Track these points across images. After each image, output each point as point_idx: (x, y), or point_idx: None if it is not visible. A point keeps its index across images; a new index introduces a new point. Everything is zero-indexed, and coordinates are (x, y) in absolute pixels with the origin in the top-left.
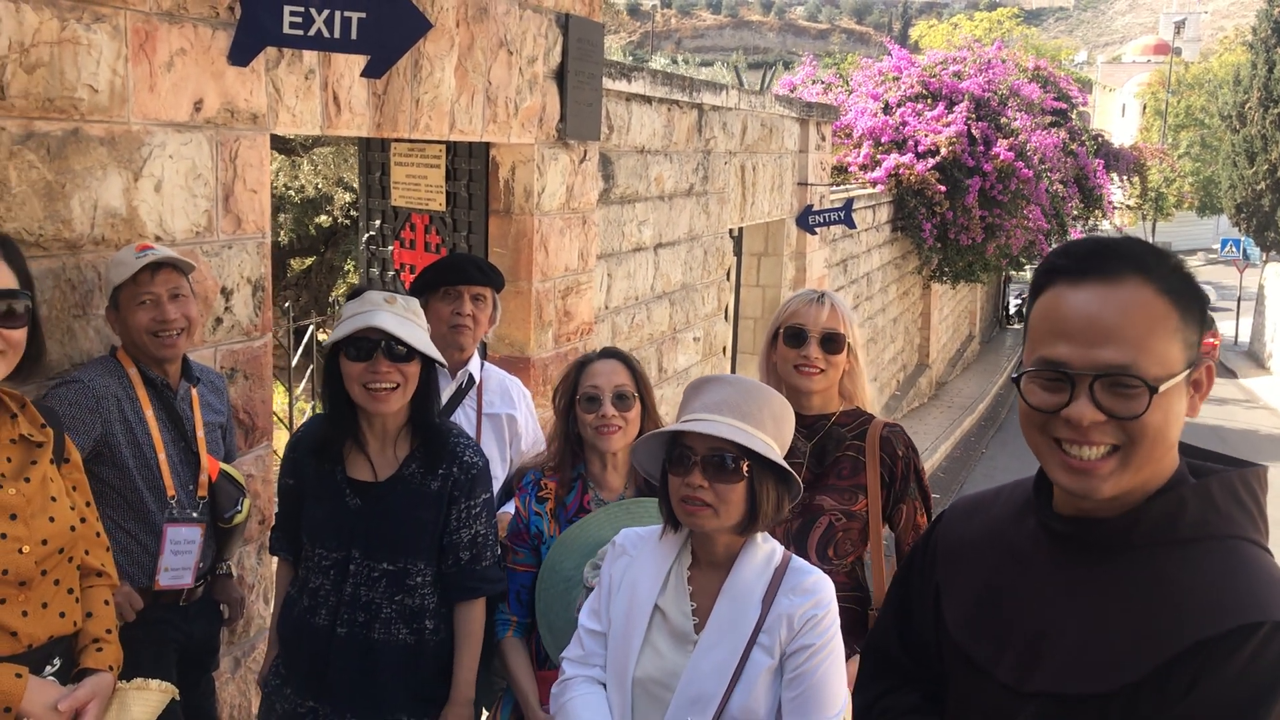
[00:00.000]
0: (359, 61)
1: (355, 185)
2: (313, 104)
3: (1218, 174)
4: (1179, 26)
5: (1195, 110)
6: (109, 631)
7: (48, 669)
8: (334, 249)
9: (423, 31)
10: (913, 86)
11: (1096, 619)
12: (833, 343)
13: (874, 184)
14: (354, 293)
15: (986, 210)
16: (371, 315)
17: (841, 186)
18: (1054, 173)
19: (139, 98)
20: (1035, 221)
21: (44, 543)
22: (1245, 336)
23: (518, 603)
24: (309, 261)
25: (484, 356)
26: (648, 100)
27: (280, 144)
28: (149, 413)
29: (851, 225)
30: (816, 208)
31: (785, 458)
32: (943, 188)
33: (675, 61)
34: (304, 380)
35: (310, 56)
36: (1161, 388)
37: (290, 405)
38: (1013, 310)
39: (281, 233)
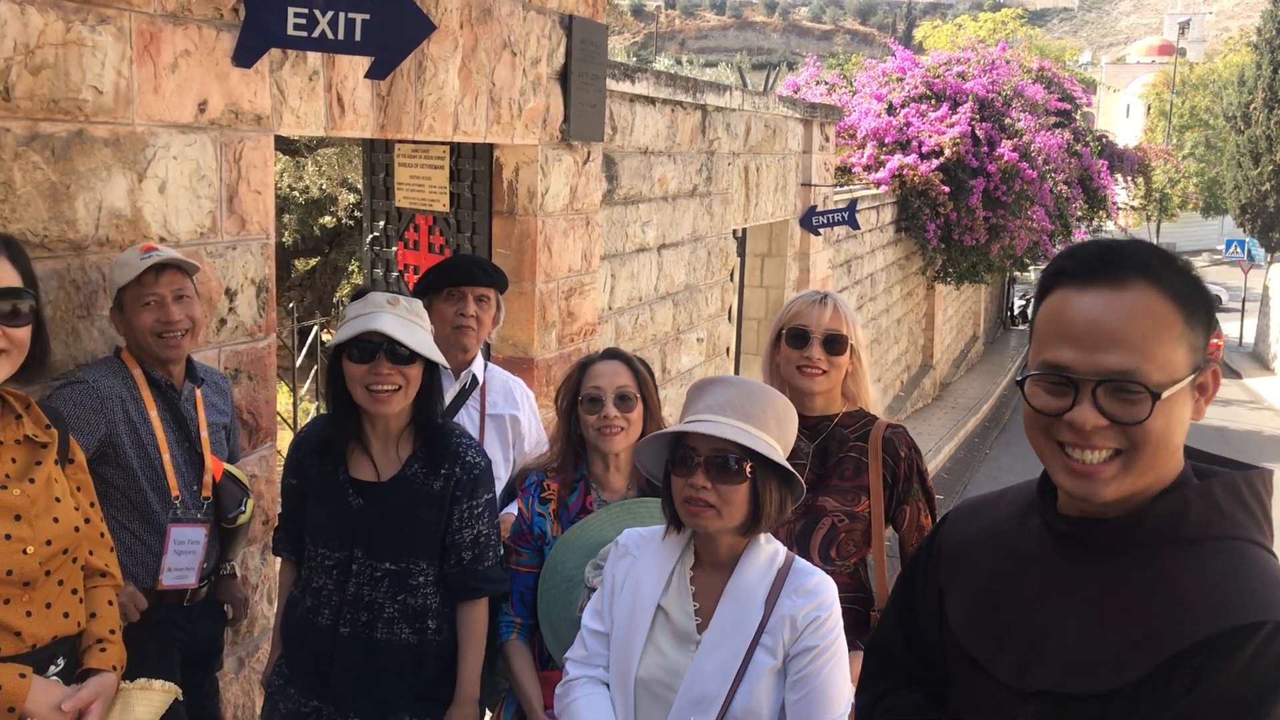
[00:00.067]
0: (363, 63)
1: (359, 186)
2: (317, 105)
3: (1222, 175)
4: (1184, 27)
5: (1200, 111)
6: (113, 632)
7: (51, 669)
8: (338, 250)
9: (427, 33)
10: (917, 87)
11: (1098, 618)
12: (835, 344)
13: (878, 185)
14: (358, 294)
15: (990, 211)
16: (374, 318)
17: (845, 187)
18: (1058, 174)
19: (143, 99)
20: (1039, 222)
21: (48, 543)
22: (1250, 337)
23: (521, 604)
24: (313, 262)
25: (487, 357)
26: (651, 101)
27: (285, 145)
28: (153, 413)
29: (855, 226)
30: (820, 208)
31: (788, 459)
32: (947, 189)
33: (679, 62)
34: (308, 381)
35: (314, 58)
36: (1164, 394)
37: (294, 406)
38: (1017, 311)
39: (286, 233)
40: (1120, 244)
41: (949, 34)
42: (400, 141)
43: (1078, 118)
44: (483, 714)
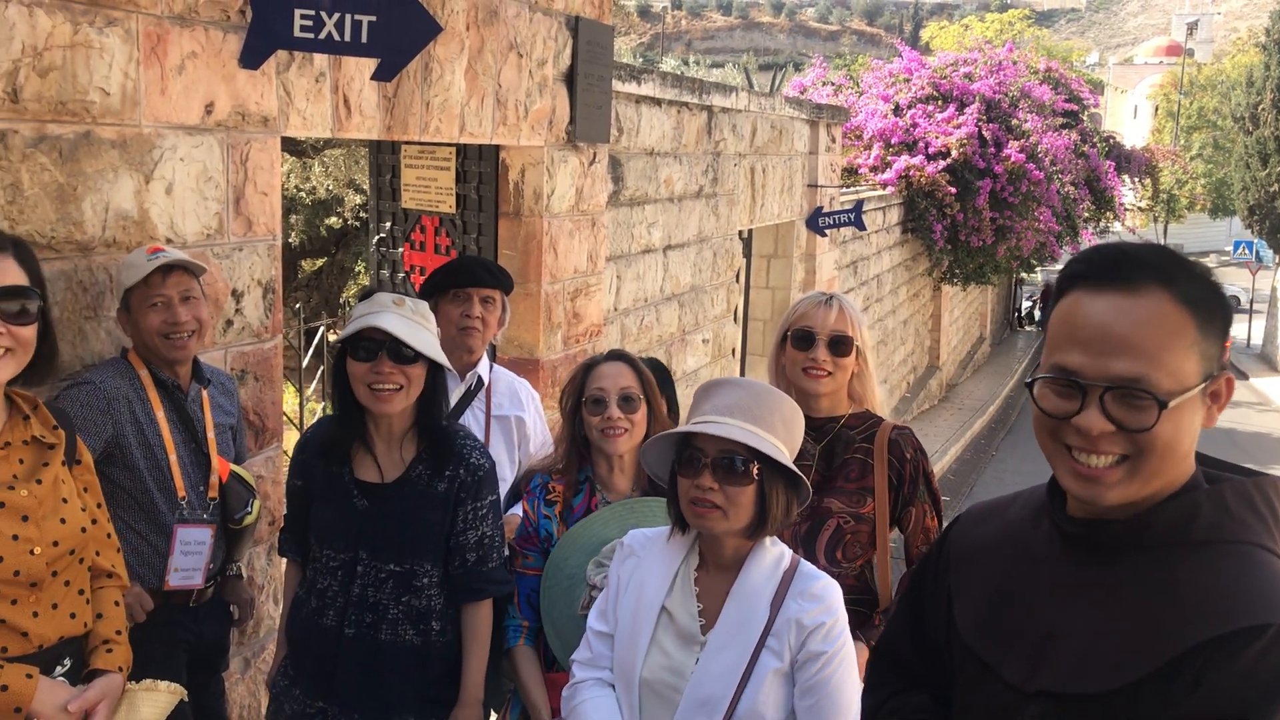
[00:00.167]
0: (369, 64)
1: (366, 187)
2: (323, 107)
3: (1230, 176)
4: (1191, 28)
5: (1208, 112)
6: (119, 632)
7: (58, 670)
8: (345, 250)
9: (433, 35)
10: (923, 88)
11: (1104, 619)
12: (841, 345)
13: (884, 186)
14: (365, 294)
15: (997, 212)
16: (377, 316)
17: (852, 188)
18: (1065, 174)
19: (150, 101)
20: (1046, 223)
21: (55, 544)
22: (1258, 339)
23: (528, 606)
24: (320, 263)
25: (493, 358)
26: (657, 102)
27: (291, 146)
28: (160, 414)
29: (862, 227)
30: (826, 209)
31: (794, 460)
32: (953, 189)
33: (685, 63)
34: (314, 381)
35: (321, 59)
36: (1172, 403)
37: (301, 406)
38: (1024, 312)
39: (292, 234)
40: (1137, 248)
41: (956, 35)
42: (406, 143)
43: (1085, 119)
44: (487, 715)
